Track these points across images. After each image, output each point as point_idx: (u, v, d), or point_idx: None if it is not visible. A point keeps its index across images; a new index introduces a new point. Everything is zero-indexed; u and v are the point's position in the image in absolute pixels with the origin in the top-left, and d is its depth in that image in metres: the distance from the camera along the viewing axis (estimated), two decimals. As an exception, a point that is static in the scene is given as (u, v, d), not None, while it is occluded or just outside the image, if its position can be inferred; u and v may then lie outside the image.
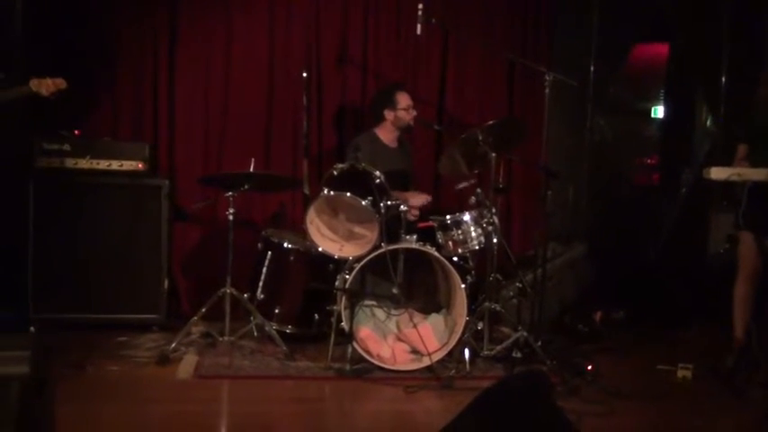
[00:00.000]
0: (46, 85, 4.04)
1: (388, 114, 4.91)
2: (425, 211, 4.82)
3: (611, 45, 5.96)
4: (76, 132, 4.77)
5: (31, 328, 4.51)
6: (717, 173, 4.23)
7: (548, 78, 4.51)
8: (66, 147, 4.69)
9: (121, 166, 4.75)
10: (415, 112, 4.93)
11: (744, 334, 4.43)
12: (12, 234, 4.58)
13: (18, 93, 4.04)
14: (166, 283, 4.80)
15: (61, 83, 4.08)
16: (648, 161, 6.69)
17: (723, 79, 6.01)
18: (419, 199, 4.80)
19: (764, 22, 5.89)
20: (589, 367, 4.26)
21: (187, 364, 4.15)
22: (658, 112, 6.64)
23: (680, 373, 4.32)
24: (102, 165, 4.73)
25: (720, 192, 4.38)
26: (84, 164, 4.71)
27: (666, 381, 4.27)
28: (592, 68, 5.89)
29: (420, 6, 4.54)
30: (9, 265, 4.56)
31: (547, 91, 4.51)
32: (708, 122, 6.15)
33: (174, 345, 4.27)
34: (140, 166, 4.79)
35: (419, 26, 4.56)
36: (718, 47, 6.00)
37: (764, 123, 4.42)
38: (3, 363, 1.93)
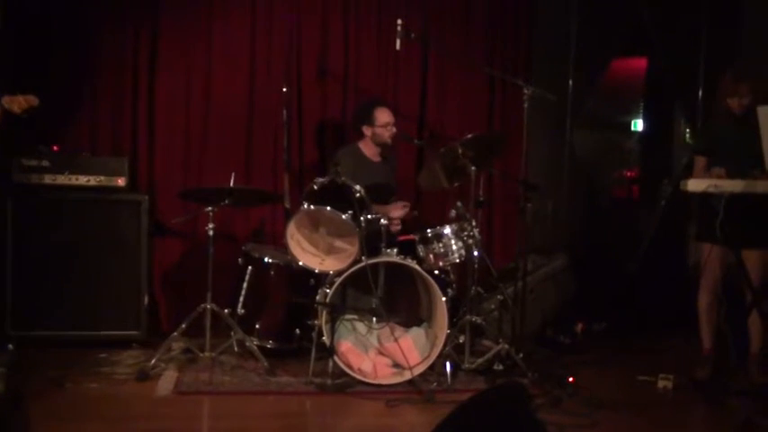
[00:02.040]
0: (18, 103, 4.00)
1: (367, 130, 4.93)
2: (409, 222, 4.84)
3: (590, 59, 6.01)
4: (55, 148, 4.74)
5: (10, 345, 4.47)
6: (694, 185, 4.26)
7: (526, 92, 4.54)
8: (45, 162, 4.67)
9: (100, 181, 4.74)
10: (394, 129, 4.94)
11: (711, 343, 4.48)
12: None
13: None
14: (146, 298, 4.77)
15: (33, 100, 4.05)
16: (628, 174, 6.74)
17: (700, 93, 6.08)
18: (398, 210, 4.82)
19: (740, 38, 5.99)
20: (571, 379, 4.27)
21: (167, 381, 4.12)
22: (638, 125, 6.70)
23: (660, 384, 4.34)
24: (81, 180, 4.71)
25: (698, 203, 4.40)
26: (62, 179, 4.69)
27: (647, 392, 4.29)
28: (570, 82, 5.94)
29: (399, 22, 4.56)
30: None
31: (526, 105, 4.55)
32: (686, 135, 6.22)
33: (153, 361, 4.24)
34: (119, 181, 4.78)
35: (399, 41, 4.58)
36: (695, 61, 6.08)
37: (721, 135, 4.48)
38: (-24, 379, 1.92)
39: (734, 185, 4.18)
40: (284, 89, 5.01)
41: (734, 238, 4.25)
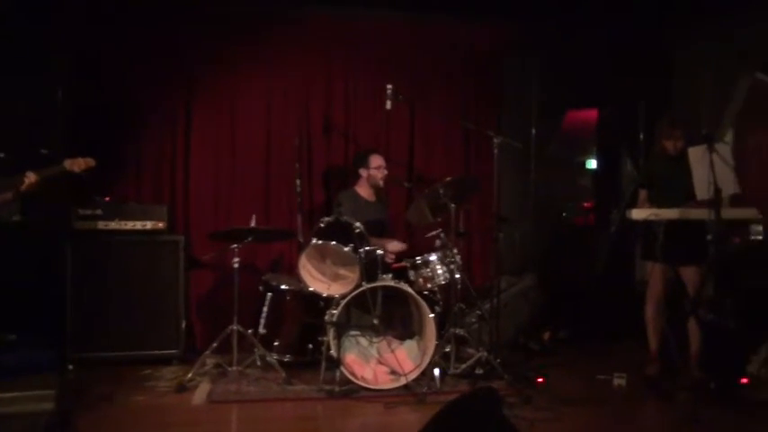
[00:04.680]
0: (78, 164, 4.07)
1: (363, 173, 4.94)
2: (400, 255, 4.82)
3: (550, 112, 6.03)
4: (107, 198, 4.75)
5: (70, 366, 4.45)
6: (637, 213, 4.26)
7: (496, 141, 4.55)
8: (99, 211, 4.68)
9: (144, 225, 4.74)
10: (386, 172, 4.96)
11: (657, 346, 4.44)
12: (53, 286, 4.52)
13: (55, 171, 4.05)
14: (183, 322, 4.74)
15: (90, 162, 4.10)
16: (585, 205, 6.71)
17: (641, 137, 6.09)
18: (396, 246, 4.82)
19: (672, 90, 6.02)
20: (540, 380, 4.24)
21: (202, 392, 4.09)
22: (591, 164, 6.69)
23: (616, 382, 4.30)
24: (129, 225, 4.71)
25: (642, 228, 4.38)
26: (113, 225, 4.69)
27: (605, 389, 4.26)
28: (533, 131, 5.95)
29: (389, 86, 4.59)
30: (50, 312, 4.48)
31: (495, 151, 4.55)
32: (631, 171, 6.21)
33: (190, 375, 4.21)
34: (160, 224, 4.78)
35: (388, 102, 4.60)
36: (636, 110, 6.10)
37: (659, 171, 4.47)
38: (31, 401, 1.89)
39: (671, 213, 4.18)
40: (295, 143, 5.03)
41: (672, 257, 4.25)
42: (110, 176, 4.93)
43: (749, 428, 3.53)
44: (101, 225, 4.67)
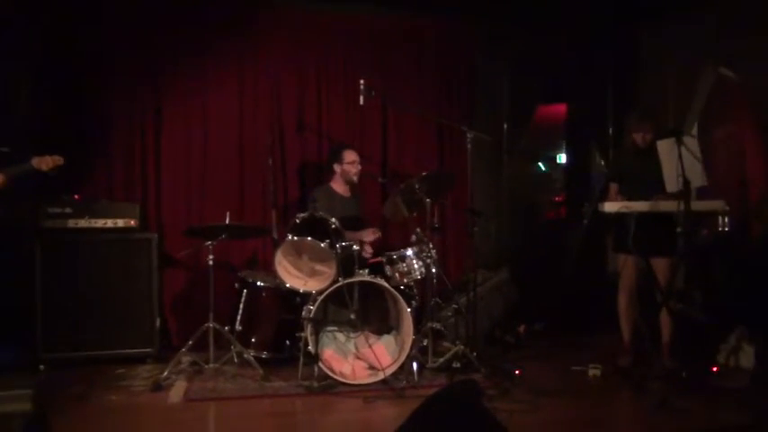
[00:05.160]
0: (45, 162, 3.99)
1: (337, 168, 4.94)
2: (377, 247, 4.81)
3: (521, 107, 6.09)
4: (76, 197, 4.65)
5: (41, 367, 4.36)
6: (609, 206, 4.32)
7: (469, 136, 4.57)
8: (68, 209, 4.59)
9: (116, 223, 4.66)
10: (360, 167, 4.96)
11: (630, 336, 4.50)
12: (22, 287, 4.42)
13: (22, 169, 3.98)
14: (158, 320, 4.67)
15: (59, 159, 4.03)
16: (557, 199, 6.78)
17: (610, 131, 6.19)
18: (370, 234, 4.80)
19: (639, 85, 6.12)
20: (517, 372, 4.27)
21: (178, 390, 4.03)
22: (562, 158, 6.76)
23: (591, 373, 4.36)
24: (99, 223, 4.63)
25: (614, 221, 4.44)
26: (83, 223, 4.60)
27: (580, 379, 4.31)
28: (505, 126, 6.00)
29: (362, 82, 4.58)
30: (20, 313, 4.38)
31: (469, 146, 4.58)
32: (600, 165, 6.30)
33: (165, 374, 4.16)
34: (132, 222, 4.70)
35: (362, 98, 4.59)
36: (604, 105, 6.19)
37: (628, 164, 4.54)
38: (7, 401, 1.85)
39: (641, 206, 4.25)
40: (269, 139, 4.99)
41: (644, 249, 4.32)
42: (80, 175, 4.83)
43: (718, 415, 3.61)
44: (70, 223, 4.58)
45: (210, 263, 4.31)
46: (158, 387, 4.04)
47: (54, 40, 4.88)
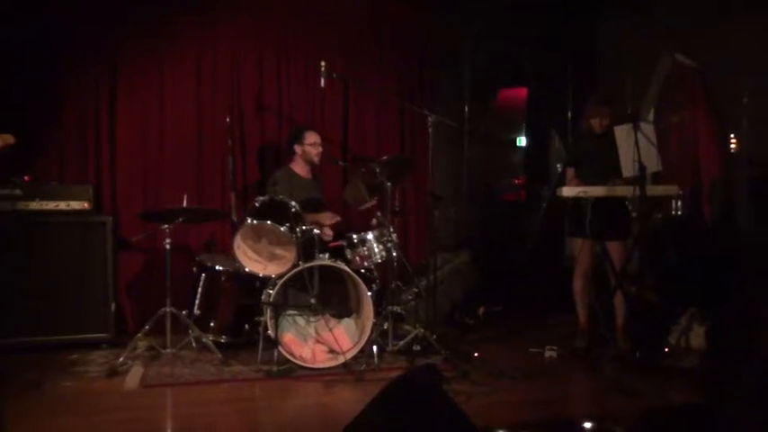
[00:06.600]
0: None
1: (298, 149, 4.89)
2: (337, 231, 4.80)
3: (482, 90, 6.12)
4: (26, 178, 4.50)
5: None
6: (567, 191, 4.39)
7: (430, 120, 4.57)
8: (17, 191, 4.43)
9: (69, 205, 4.53)
10: (321, 149, 4.92)
11: (586, 319, 4.60)
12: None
13: None
14: (113, 305, 4.57)
15: (9, 138, 3.86)
16: (516, 181, 6.85)
17: (569, 115, 6.26)
18: (331, 219, 4.79)
19: (597, 71, 6.20)
20: (476, 354, 4.33)
21: (134, 376, 3.97)
22: (522, 141, 6.83)
23: (547, 354, 4.44)
24: (51, 205, 4.48)
25: (571, 206, 4.51)
26: (34, 205, 4.45)
27: (537, 361, 4.38)
28: (466, 109, 6.02)
29: (323, 63, 4.53)
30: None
31: (430, 130, 4.57)
32: (559, 148, 6.39)
33: (121, 359, 4.09)
34: (86, 205, 4.57)
35: (323, 80, 4.54)
36: (564, 89, 6.26)
37: (585, 149, 4.61)
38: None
39: (598, 191, 4.32)
40: (227, 120, 4.91)
41: (599, 233, 4.41)
42: (30, 155, 4.68)
43: (669, 394, 3.72)
44: (20, 206, 4.43)
45: (168, 246, 4.22)
46: (114, 373, 3.97)
47: (4, 13, 4.69)
